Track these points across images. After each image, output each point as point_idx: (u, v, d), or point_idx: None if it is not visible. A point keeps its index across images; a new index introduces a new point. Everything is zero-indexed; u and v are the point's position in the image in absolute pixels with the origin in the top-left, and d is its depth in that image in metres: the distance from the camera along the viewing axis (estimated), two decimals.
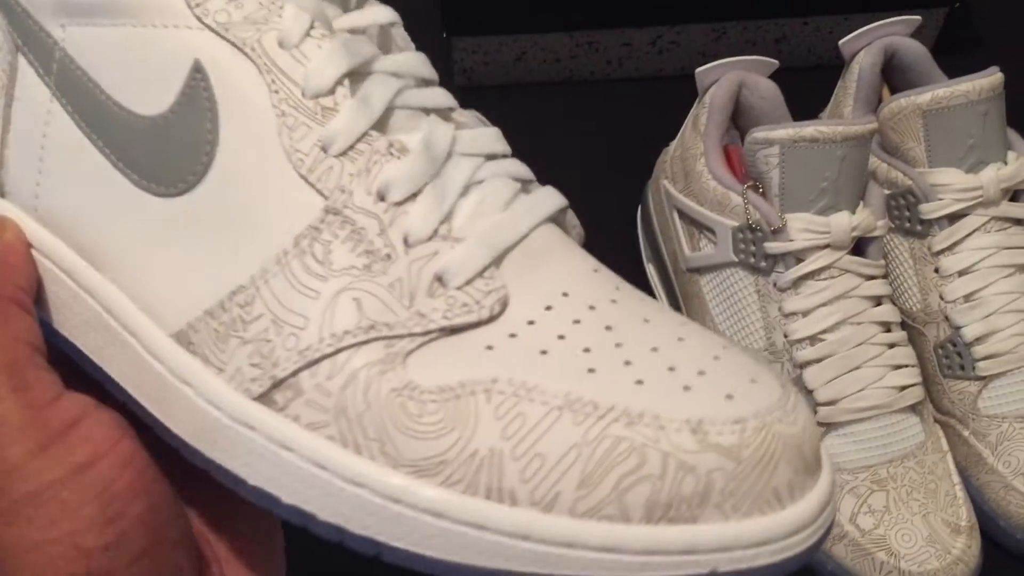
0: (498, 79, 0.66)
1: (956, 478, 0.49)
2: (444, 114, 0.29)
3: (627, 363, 0.25)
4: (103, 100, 0.28)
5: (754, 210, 0.48)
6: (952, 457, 0.50)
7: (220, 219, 0.27)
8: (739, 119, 0.54)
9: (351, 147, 0.27)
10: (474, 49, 0.64)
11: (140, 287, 0.29)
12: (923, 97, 0.49)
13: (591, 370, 0.25)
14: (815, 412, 0.48)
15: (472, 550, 0.24)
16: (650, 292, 0.59)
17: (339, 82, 0.27)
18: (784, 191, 0.48)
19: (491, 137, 0.29)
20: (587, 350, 0.25)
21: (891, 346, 0.49)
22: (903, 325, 0.50)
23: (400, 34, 0.30)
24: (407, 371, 0.25)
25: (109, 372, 0.29)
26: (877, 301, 0.49)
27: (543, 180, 0.69)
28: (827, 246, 0.48)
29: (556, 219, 0.29)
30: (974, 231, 0.50)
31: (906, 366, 0.49)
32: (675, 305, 0.56)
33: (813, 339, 0.48)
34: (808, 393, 0.48)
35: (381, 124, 0.28)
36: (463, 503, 0.24)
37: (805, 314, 0.48)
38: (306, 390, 0.26)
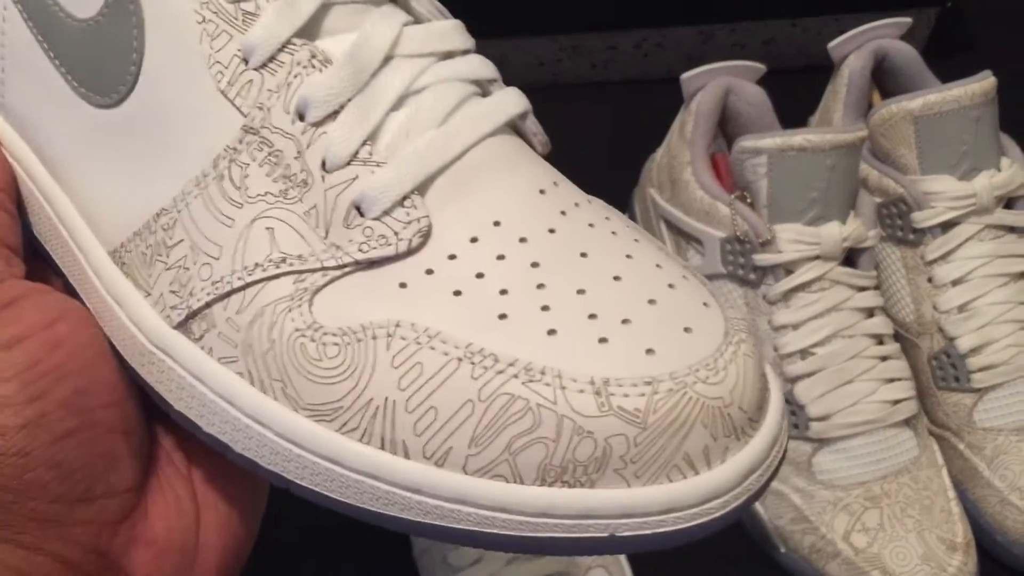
0: None
1: (952, 493, 0.48)
2: (401, 2, 0.26)
3: (544, 308, 0.23)
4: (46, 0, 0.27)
5: (742, 221, 0.47)
6: (947, 471, 0.49)
7: (148, 135, 0.26)
8: (726, 126, 0.53)
9: (272, 58, 0.25)
10: None
11: (84, 199, 0.28)
12: (914, 103, 0.48)
13: (502, 316, 0.23)
14: (807, 428, 0.47)
15: (369, 497, 0.23)
16: None
17: None
18: (773, 201, 0.46)
19: (448, 32, 0.26)
20: (504, 292, 0.23)
21: (884, 359, 0.47)
22: (896, 336, 0.49)
23: None
24: (313, 310, 0.24)
25: (68, 278, 0.29)
26: (869, 313, 0.48)
27: None
28: (817, 257, 0.46)
29: (516, 125, 0.26)
30: (968, 240, 0.49)
31: (899, 379, 0.48)
32: None
33: (804, 353, 0.47)
34: (800, 408, 0.47)
35: (310, 28, 0.25)
36: (358, 452, 0.23)
37: (795, 327, 0.47)
38: (218, 323, 0.25)
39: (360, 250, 0.24)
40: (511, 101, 0.26)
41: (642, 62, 0.65)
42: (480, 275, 0.24)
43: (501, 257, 0.24)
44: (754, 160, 0.46)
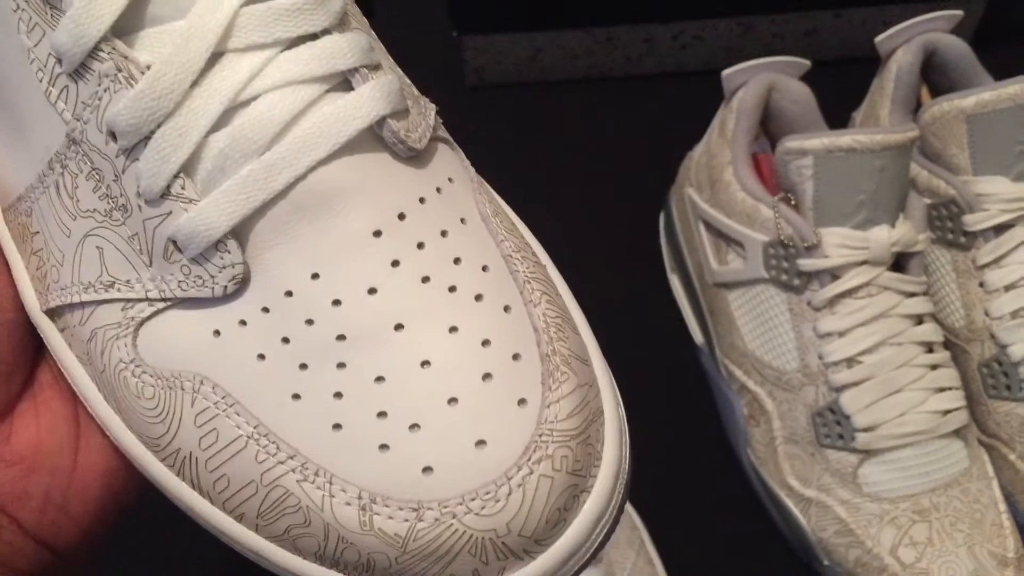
0: (512, 78, 0.63)
1: (1003, 506, 0.46)
2: None
3: (337, 395, 0.22)
4: None
5: (786, 224, 0.45)
6: (998, 482, 0.47)
7: (6, 111, 0.24)
8: (769, 124, 0.51)
9: (82, 64, 0.22)
10: (486, 48, 0.61)
11: None
12: (967, 101, 0.46)
13: (296, 396, 0.22)
14: (853, 439, 0.45)
15: (194, 517, 0.24)
16: (674, 306, 0.56)
17: None
18: (819, 204, 0.45)
19: (299, 9, 0.22)
20: (304, 367, 0.22)
21: (934, 367, 0.46)
22: (945, 343, 0.47)
23: None
24: (136, 343, 0.24)
25: None
26: (919, 320, 0.46)
27: (559, 184, 0.65)
28: (865, 262, 0.45)
29: (383, 128, 0.23)
30: (1022, 243, 0.47)
31: (950, 388, 0.46)
32: (701, 321, 0.53)
33: (850, 361, 0.45)
34: (846, 418, 0.45)
35: (128, 19, 0.21)
36: (175, 486, 0.24)
37: (842, 335, 0.45)
38: (69, 325, 0.25)
39: (180, 287, 0.23)
40: (363, 106, 0.22)
41: (679, 55, 0.63)
42: (286, 340, 0.22)
43: (310, 322, 0.22)
44: (799, 161, 0.44)
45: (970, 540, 0.45)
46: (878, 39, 0.51)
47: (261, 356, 0.22)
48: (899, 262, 0.46)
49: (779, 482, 0.48)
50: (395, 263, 0.22)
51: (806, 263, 0.45)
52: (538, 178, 0.60)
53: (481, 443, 0.21)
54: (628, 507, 0.48)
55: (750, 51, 0.61)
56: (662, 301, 0.57)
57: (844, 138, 0.43)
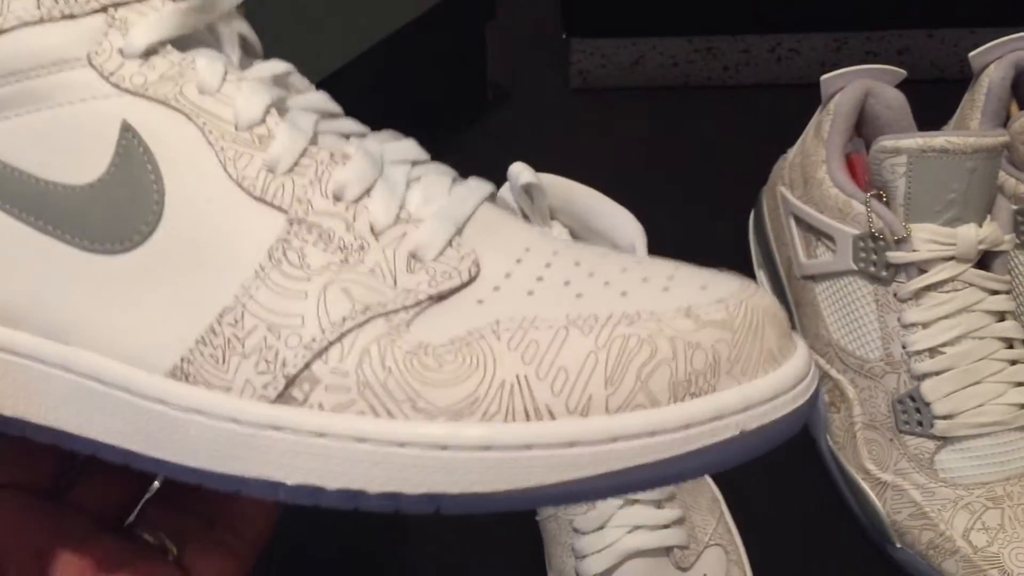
0: (614, 81, 0.67)
1: None
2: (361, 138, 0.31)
3: (607, 283, 0.27)
4: (28, 181, 0.29)
5: (877, 219, 0.48)
6: None
7: (184, 258, 0.28)
8: (863, 128, 0.54)
9: (296, 163, 0.29)
10: (592, 51, 0.65)
11: (116, 344, 0.29)
12: None
13: (579, 295, 0.27)
14: (932, 426, 0.47)
15: (526, 471, 0.25)
16: None
17: (267, 111, 0.29)
18: (910, 201, 0.47)
19: (413, 147, 0.31)
20: (567, 283, 0.27)
21: (1013, 363, 0.48)
22: None
23: (298, 79, 0.32)
24: (413, 335, 0.27)
25: (98, 438, 0.29)
26: (1000, 316, 0.48)
27: (653, 183, 0.68)
28: (952, 258, 0.47)
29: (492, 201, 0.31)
30: None
31: None
32: (788, 313, 0.56)
33: (933, 351, 0.48)
34: (926, 405, 0.48)
35: (315, 142, 0.29)
36: (507, 429, 0.25)
37: (925, 326, 0.48)
38: (322, 377, 0.27)
39: (430, 286, 0.27)
40: (484, 183, 0.31)
41: (775, 67, 0.66)
42: (540, 278, 0.28)
43: (548, 265, 0.28)
44: (893, 160, 0.47)
45: None
46: (972, 54, 0.53)
47: (530, 292, 0.27)
48: (984, 261, 0.48)
49: (856, 466, 0.51)
50: (555, 252, 0.29)
51: (895, 256, 0.48)
52: (632, 178, 0.64)
53: (716, 274, 0.28)
54: (709, 480, 0.51)
55: (844, 66, 0.64)
56: None
57: (938, 139, 0.46)
